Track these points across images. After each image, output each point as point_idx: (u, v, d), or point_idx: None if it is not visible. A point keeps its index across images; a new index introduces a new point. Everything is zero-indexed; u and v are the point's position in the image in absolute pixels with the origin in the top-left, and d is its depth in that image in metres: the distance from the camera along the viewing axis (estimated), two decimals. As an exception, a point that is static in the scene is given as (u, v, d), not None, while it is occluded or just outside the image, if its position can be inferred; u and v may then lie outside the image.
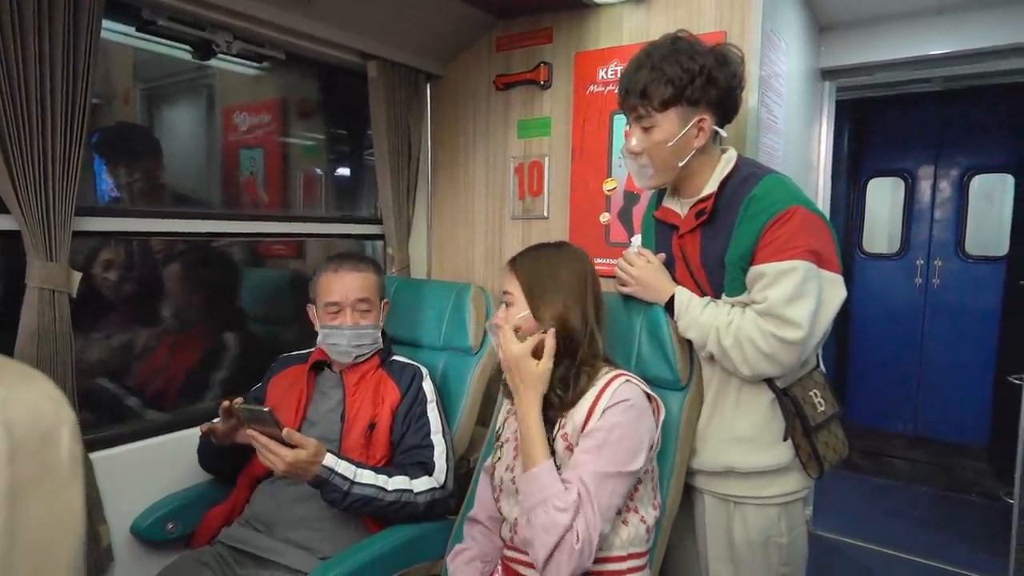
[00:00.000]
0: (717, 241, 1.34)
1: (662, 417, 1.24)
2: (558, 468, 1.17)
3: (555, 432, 1.21)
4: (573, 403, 1.21)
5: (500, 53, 2.18)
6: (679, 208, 1.44)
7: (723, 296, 1.35)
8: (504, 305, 1.30)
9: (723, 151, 1.40)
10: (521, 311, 1.26)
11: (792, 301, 1.22)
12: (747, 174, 1.33)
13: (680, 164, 1.34)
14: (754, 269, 1.27)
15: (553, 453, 1.19)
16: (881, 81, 2.74)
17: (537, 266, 1.29)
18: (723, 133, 1.36)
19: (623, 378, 1.20)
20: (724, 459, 1.37)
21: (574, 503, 1.09)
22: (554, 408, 1.22)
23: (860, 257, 4.44)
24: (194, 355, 1.97)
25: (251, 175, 2.18)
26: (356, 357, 1.61)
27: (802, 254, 1.23)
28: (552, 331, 1.23)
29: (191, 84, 2.00)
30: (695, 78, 1.28)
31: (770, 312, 1.23)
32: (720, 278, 1.35)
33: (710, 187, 1.35)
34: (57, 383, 1.42)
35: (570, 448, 1.19)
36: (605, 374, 1.22)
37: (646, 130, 1.33)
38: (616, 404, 1.16)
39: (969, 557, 2.73)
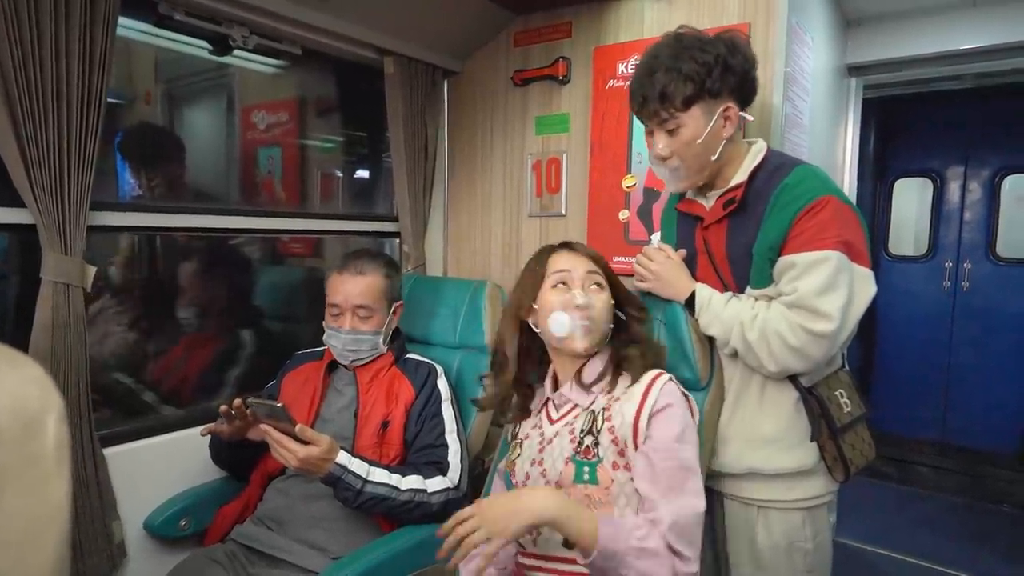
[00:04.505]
0: (745, 231, 1.30)
1: (696, 413, 1.20)
2: (599, 460, 1.13)
3: (600, 424, 1.16)
4: (612, 387, 1.19)
5: (518, 48, 2.15)
6: (704, 200, 1.41)
7: (748, 288, 1.31)
8: (595, 286, 1.24)
9: (751, 143, 1.37)
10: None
11: (824, 292, 1.18)
12: (778, 164, 1.31)
13: (714, 158, 1.31)
14: (784, 259, 1.23)
15: (597, 444, 1.15)
16: (910, 78, 2.66)
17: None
18: (749, 117, 1.34)
19: (665, 376, 1.17)
20: (747, 460, 1.33)
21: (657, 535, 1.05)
22: (634, 366, 1.19)
23: (886, 259, 4.34)
24: (209, 352, 1.96)
25: (269, 174, 2.17)
26: (352, 361, 1.60)
27: (835, 244, 1.19)
28: None
29: (211, 83, 2.00)
30: (712, 69, 1.25)
31: (800, 304, 1.19)
32: (745, 270, 1.31)
33: (739, 177, 1.32)
34: (71, 376, 1.40)
35: (616, 442, 1.13)
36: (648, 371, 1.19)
37: (671, 132, 1.30)
38: (661, 411, 1.12)
39: (1000, 570, 2.64)
